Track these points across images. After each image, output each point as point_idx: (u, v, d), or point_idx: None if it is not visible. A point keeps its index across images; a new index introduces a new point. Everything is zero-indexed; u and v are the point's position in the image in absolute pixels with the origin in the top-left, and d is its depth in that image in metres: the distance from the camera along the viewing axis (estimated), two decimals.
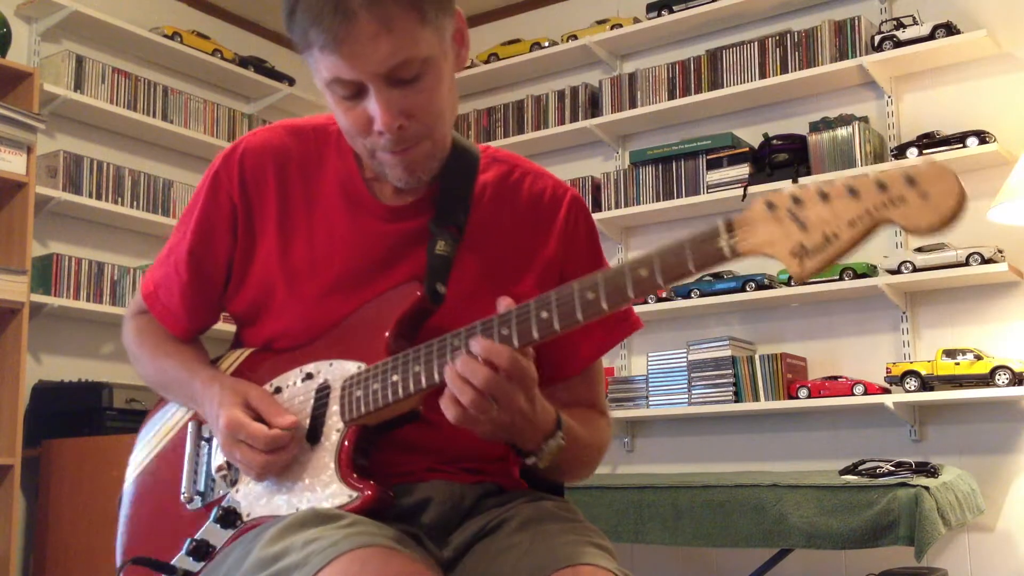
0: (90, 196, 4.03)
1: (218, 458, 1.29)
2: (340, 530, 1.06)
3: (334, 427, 1.23)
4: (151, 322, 1.43)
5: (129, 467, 1.42)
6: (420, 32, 1.16)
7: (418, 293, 1.25)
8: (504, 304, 1.15)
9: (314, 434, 1.24)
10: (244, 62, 4.74)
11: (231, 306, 1.39)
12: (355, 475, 1.19)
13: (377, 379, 1.21)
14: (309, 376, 1.28)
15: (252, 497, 1.25)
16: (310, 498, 1.20)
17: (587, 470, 1.37)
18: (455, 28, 1.24)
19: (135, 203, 4.19)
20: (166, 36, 4.38)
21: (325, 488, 1.20)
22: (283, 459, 1.22)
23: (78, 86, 4.07)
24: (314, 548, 1.03)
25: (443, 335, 1.17)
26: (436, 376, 1.16)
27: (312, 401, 1.26)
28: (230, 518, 1.24)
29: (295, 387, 1.29)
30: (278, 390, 1.30)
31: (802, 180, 3.72)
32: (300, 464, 1.23)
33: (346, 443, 1.22)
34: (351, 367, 1.25)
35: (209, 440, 1.34)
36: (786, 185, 1.02)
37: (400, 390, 1.19)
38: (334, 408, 1.24)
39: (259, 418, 1.23)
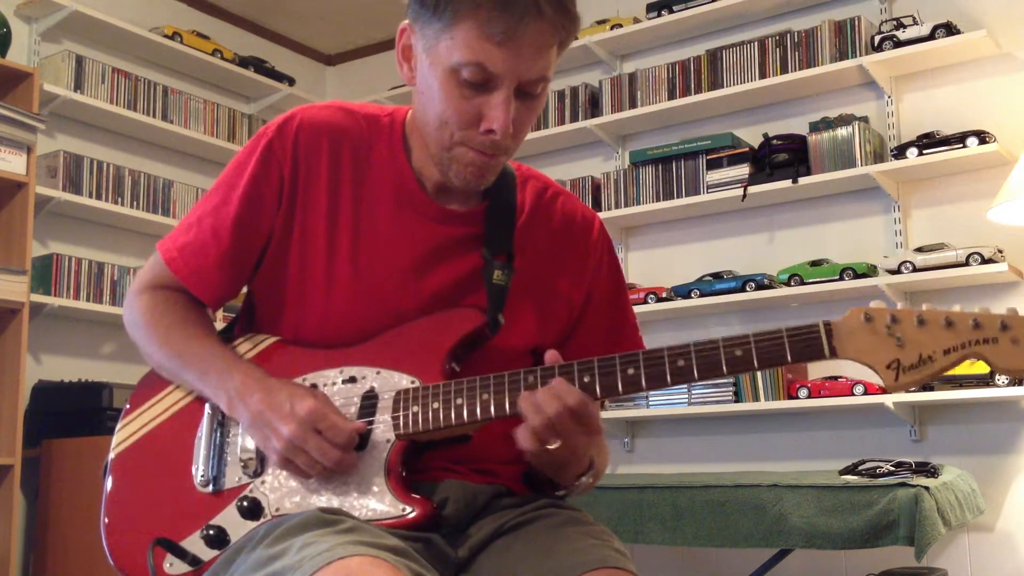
0: (90, 196, 4.03)
1: (244, 444, 1.26)
2: (337, 536, 1.06)
3: (383, 437, 1.23)
4: (168, 298, 1.36)
5: (118, 436, 1.36)
6: (554, 58, 1.23)
7: (479, 321, 1.27)
8: (551, 357, 1.20)
9: (359, 440, 1.23)
10: (244, 62, 4.74)
11: (260, 284, 1.35)
12: (408, 491, 1.20)
13: (438, 399, 1.21)
14: (352, 379, 1.27)
15: (283, 492, 1.23)
16: (353, 504, 1.20)
17: (587, 490, 1.40)
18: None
19: (135, 203, 4.19)
20: (166, 36, 4.38)
21: (373, 498, 1.20)
22: (352, 461, 1.21)
23: (78, 86, 4.07)
24: (308, 553, 1.03)
25: (517, 370, 1.20)
26: (506, 407, 1.19)
27: (357, 407, 1.25)
28: (254, 510, 1.22)
29: (334, 387, 1.27)
30: (313, 387, 1.27)
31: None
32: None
33: (395, 455, 1.22)
34: (403, 380, 1.25)
35: (223, 423, 1.30)
36: (879, 302, 1.14)
37: (465, 414, 1.20)
38: (384, 417, 1.23)
39: None
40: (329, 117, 1.33)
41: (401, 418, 1.22)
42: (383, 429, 1.23)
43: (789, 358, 1.13)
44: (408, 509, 1.18)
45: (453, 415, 1.20)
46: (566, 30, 1.21)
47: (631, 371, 1.17)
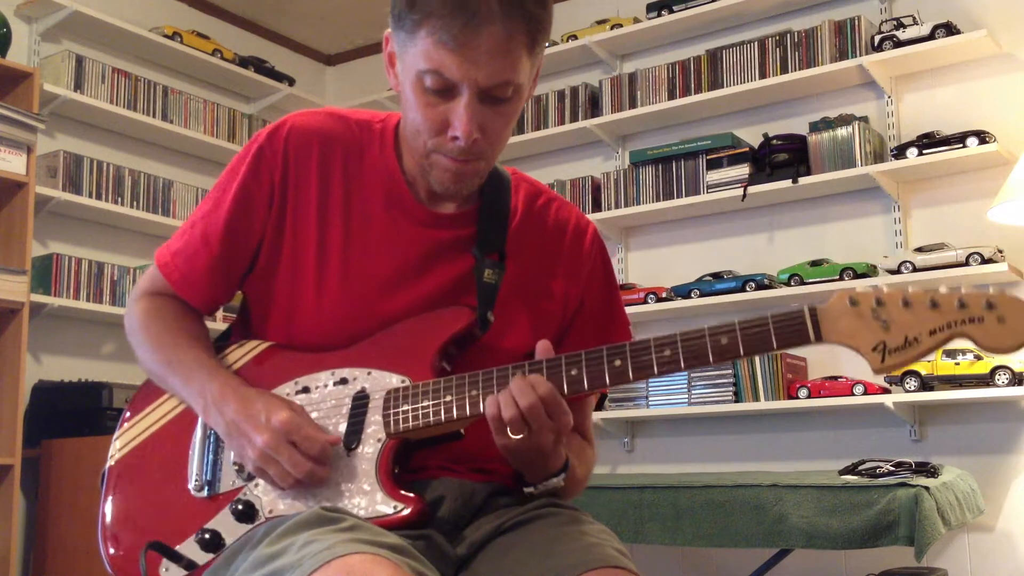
0: (90, 196, 4.03)
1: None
2: (337, 534, 1.07)
3: (374, 436, 1.24)
4: (162, 305, 1.39)
5: (116, 444, 1.37)
6: (524, 60, 1.20)
7: (468, 318, 1.27)
8: (542, 348, 1.21)
9: (350, 440, 1.24)
10: (244, 62, 4.74)
11: (252, 288, 1.36)
12: (400, 489, 1.20)
13: (428, 396, 1.22)
14: (343, 381, 1.28)
15: (275, 494, 1.24)
16: (346, 504, 1.20)
17: (570, 497, 1.40)
18: (538, 68, 1.28)
19: (135, 203, 4.20)
20: (166, 36, 4.38)
21: (364, 496, 1.20)
22: (324, 474, 1.22)
23: (78, 86, 4.07)
24: (308, 551, 1.04)
25: (505, 365, 1.21)
26: None
27: (348, 407, 1.26)
28: (249, 513, 1.23)
29: (326, 389, 1.28)
30: (305, 389, 1.29)
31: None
32: (335, 468, 1.23)
33: (386, 454, 1.22)
34: (393, 380, 1.26)
35: None
36: (867, 283, 1.12)
37: (454, 410, 1.21)
38: (375, 418, 1.24)
39: None
40: (320, 123, 1.35)
41: (391, 417, 1.23)
42: (374, 429, 1.24)
43: (775, 344, 1.12)
44: (400, 506, 1.18)
45: (443, 412, 1.21)
46: (529, 32, 1.18)
47: (618, 362, 1.17)
